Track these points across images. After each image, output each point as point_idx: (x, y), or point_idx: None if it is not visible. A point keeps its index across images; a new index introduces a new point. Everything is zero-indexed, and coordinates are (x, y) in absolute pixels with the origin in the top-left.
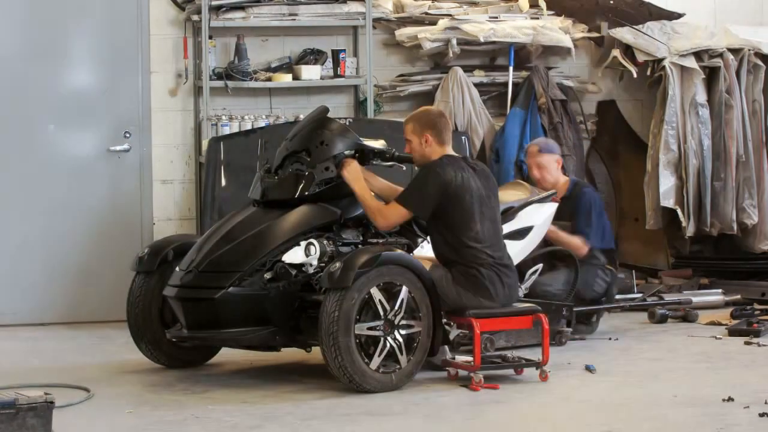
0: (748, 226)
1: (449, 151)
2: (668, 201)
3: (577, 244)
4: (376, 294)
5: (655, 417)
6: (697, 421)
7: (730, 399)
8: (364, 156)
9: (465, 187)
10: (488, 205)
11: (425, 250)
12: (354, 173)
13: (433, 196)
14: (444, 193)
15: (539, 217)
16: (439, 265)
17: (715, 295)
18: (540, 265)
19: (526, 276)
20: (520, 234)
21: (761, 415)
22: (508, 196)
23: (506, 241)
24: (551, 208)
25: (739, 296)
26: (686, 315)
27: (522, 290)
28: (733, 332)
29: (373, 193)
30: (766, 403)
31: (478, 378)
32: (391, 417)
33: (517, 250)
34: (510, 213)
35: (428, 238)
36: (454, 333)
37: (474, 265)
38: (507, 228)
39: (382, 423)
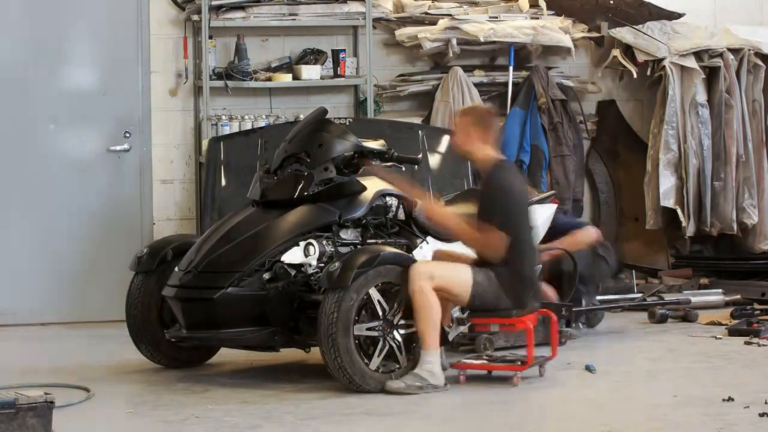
0: (748, 226)
1: (492, 151)
2: (668, 201)
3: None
4: (375, 294)
5: (655, 417)
6: (697, 421)
7: (730, 399)
8: (363, 157)
9: (522, 193)
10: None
11: (428, 249)
12: (434, 212)
13: (513, 209)
14: (514, 202)
15: (538, 218)
16: (476, 266)
17: (715, 295)
18: (539, 266)
19: None
20: None
21: (761, 415)
22: None
23: None
24: (550, 209)
25: (739, 296)
26: (686, 315)
27: None
28: (733, 332)
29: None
30: (766, 403)
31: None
32: (391, 417)
33: None
34: None
35: (428, 238)
36: (453, 334)
37: (520, 267)
38: None
39: (382, 423)
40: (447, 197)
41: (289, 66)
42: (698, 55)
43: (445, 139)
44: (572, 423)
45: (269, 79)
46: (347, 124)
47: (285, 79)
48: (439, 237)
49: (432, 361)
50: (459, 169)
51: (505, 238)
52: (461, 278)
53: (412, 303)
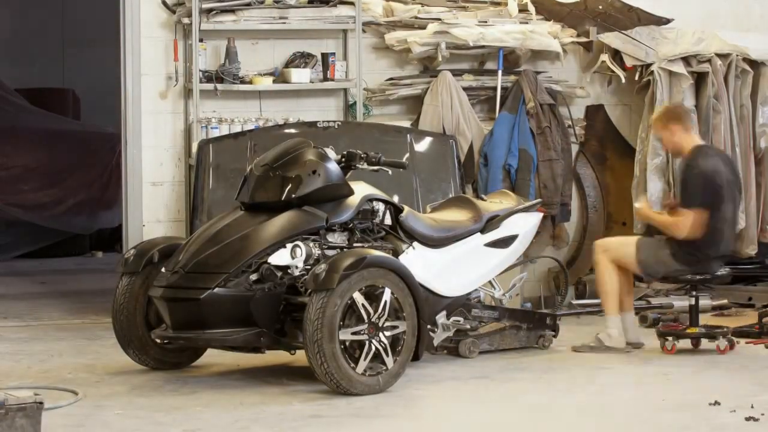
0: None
1: (696, 137)
2: (656, 206)
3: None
4: (359, 298)
5: (643, 420)
6: (684, 424)
7: (717, 403)
8: (350, 161)
9: (717, 172)
10: (732, 188)
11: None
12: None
13: (702, 189)
14: (705, 183)
15: (524, 226)
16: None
17: (702, 300)
18: (525, 274)
19: (511, 283)
20: (505, 242)
21: (747, 419)
22: (494, 204)
23: (491, 249)
24: (536, 217)
25: (725, 300)
26: (676, 319)
27: (506, 298)
28: (735, 334)
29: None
30: (752, 407)
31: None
32: (379, 419)
33: (502, 258)
34: (495, 221)
35: (414, 243)
36: (438, 338)
37: (708, 244)
38: (492, 236)
39: (370, 425)
40: (433, 204)
41: (279, 70)
42: (686, 60)
43: (433, 143)
44: (559, 427)
45: (259, 82)
46: (336, 127)
47: (275, 82)
48: (426, 243)
49: (609, 326)
50: (447, 173)
51: (697, 217)
52: (627, 249)
53: (596, 273)
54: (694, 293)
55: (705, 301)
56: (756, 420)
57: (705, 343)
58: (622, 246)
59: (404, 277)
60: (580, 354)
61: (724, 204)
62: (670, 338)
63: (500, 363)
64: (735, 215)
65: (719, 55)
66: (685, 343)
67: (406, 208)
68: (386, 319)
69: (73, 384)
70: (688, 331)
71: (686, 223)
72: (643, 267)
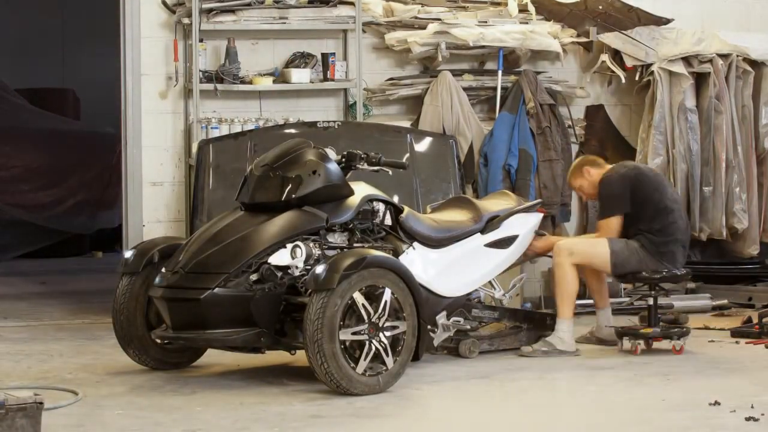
0: (739, 230)
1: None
2: None
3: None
4: (359, 298)
5: (643, 421)
6: (684, 425)
7: (717, 403)
8: (351, 161)
9: (624, 176)
10: (652, 180)
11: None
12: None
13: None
14: (617, 190)
15: (524, 227)
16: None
17: (703, 300)
18: (524, 275)
19: (511, 284)
20: (505, 243)
21: (747, 419)
22: (494, 205)
23: (491, 250)
24: (536, 218)
25: (726, 301)
26: (676, 319)
27: (506, 298)
28: (735, 333)
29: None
30: (752, 407)
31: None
32: (379, 419)
33: (502, 259)
34: (495, 222)
35: (414, 243)
36: (438, 338)
37: (662, 232)
38: (492, 237)
39: (370, 425)
40: (434, 204)
41: (278, 72)
42: (687, 60)
43: (433, 143)
44: (558, 426)
45: (259, 83)
46: (336, 127)
47: (275, 82)
48: (426, 243)
49: (562, 330)
50: (447, 173)
51: (612, 222)
52: (598, 250)
53: (552, 276)
54: (653, 293)
55: (705, 302)
56: (756, 420)
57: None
58: (592, 247)
59: (404, 277)
60: (580, 355)
61: (650, 194)
62: (627, 338)
63: (500, 363)
64: (675, 200)
65: (720, 56)
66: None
67: (407, 209)
68: (386, 320)
69: (73, 384)
70: (643, 331)
71: (606, 233)
72: (615, 264)
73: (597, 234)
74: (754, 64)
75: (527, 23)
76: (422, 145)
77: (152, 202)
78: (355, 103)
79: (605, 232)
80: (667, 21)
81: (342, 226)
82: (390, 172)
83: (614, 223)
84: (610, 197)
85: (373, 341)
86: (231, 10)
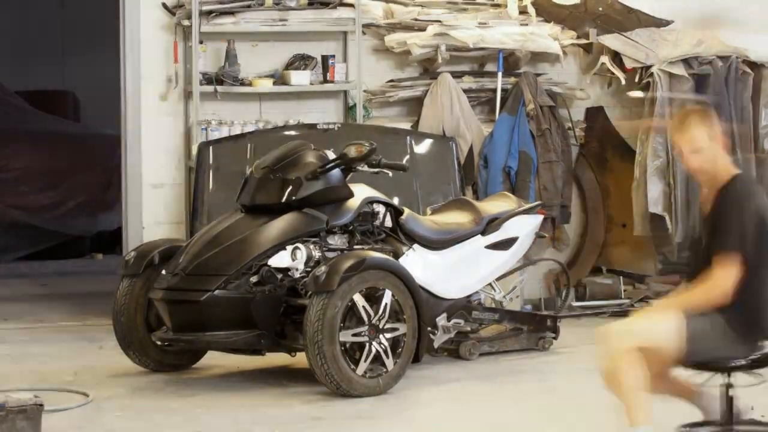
0: None
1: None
2: (657, 207)
3: None
4: (359, 300)
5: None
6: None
7: None
8: (350, 163)
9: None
10: None
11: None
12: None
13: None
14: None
15: (524, 229)
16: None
17: None
18: (525, 276)
19: (512, 285)
20: (505, 245)
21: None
22: (494, 207)
23: (491, 252)
24: (536, 219)
25: None
26: None
27: (506, 300)
28: None
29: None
30: (752, 408)
31: None
32: (380, 420)
33: (502, 261)
34: (495, 224)
35: (414, 245)
36: (438, 340)
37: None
38: (492, 238)
39: (370, 427)
40: (434, 206)
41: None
42: (687, 62)
43: (433, 145)
44: (554, 427)
45: (259, 85)
46: (336, 129)
47: (274, 84)
48: (426, 245)
49: None
50: (447, 176)
51: (733, 272)
52: (670, 332)
53: (607, 368)
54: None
55: None
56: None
57: None
58: (654, 326)
59: (405, 279)
60: (581, 355)
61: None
62: None
63: (501, 365)
64: None
65: (719, 57)
66: None
67: (407, 211)
68: (386, 321)
69: (74, 386)
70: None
71: (725, 275)
72: (692, 350)
73: (710, 280)
74: (754, 65)
75: (527, 25)
76: (422, 147)
77: (152, 204)
78: (354, 105)
79: (722, 278)
80: (667, 23)
81: (342, 228)
82: (390, 174)
83: (737, 262)
84: (741, 219)
85: (374, 343)
86: (231, 12)
